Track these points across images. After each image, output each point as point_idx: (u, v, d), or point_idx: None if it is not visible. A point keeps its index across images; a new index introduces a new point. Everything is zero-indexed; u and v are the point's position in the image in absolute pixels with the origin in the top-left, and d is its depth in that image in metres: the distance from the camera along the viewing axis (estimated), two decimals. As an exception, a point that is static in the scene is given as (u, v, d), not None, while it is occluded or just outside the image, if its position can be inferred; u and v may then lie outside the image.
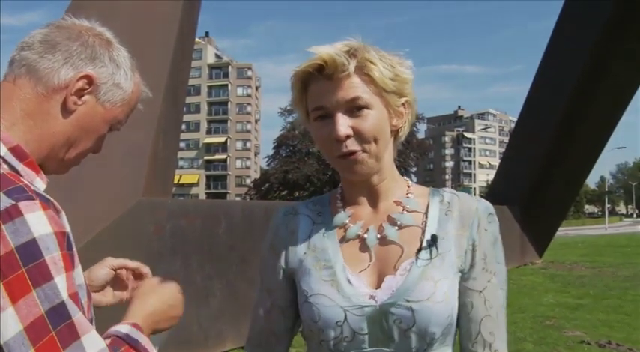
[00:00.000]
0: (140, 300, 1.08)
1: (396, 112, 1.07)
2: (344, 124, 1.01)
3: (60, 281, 0.83)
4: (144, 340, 0.98)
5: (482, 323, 1.08)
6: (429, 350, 1.03)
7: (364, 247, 1.08)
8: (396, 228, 1.08)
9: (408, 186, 1.14)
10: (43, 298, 0.81)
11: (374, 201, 1.11)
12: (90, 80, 0.99)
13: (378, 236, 1.08)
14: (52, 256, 0.82)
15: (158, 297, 1.09)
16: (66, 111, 0.98)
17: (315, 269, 1.07)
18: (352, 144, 1.02)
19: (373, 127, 1.02)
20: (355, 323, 1.02)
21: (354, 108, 1.02)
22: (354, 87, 1.02)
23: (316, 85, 1.04)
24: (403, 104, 1.08)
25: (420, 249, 1.06)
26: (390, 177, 1.11)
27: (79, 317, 0.84)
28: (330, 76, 1.01)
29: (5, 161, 0.90)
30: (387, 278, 1.04)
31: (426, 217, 1.10)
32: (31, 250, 0.80)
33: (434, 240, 1.06)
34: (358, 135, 1.02)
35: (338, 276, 1.05)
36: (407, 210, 1.10)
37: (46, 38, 0.98)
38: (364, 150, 1.03)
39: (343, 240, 1.09)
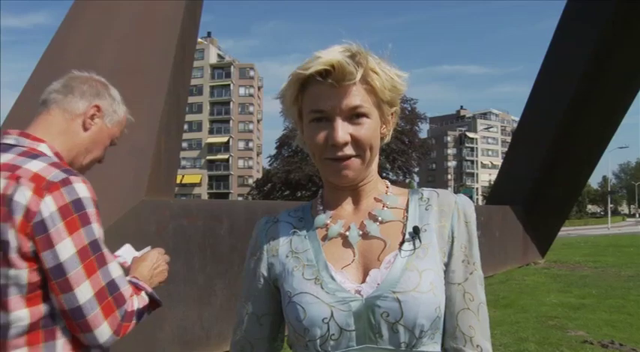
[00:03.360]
0: (134, 267, 1.58)
1: (386, 121, 1.10)
2: (344, 131, 1.03)
3: (113, 265, 1.33)
4: (141, 282, 1.49)
5: (459, 316, 1.07)
6: (418, 346, 1.01)
7: (347, 244, 1.09)
8: (377, 223, 1.09)
9: (387, 187, 1.16)
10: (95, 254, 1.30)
11: (355, 201, 1.13)
12: (98, 108, 1.50)
13: (360, 232, 1.09)
14: (91, 210, 1.31)
15: (146, 263, 1.60)
16: (84, 129, 1.49)
17: (297, 270, 1.07)
18: (348, 150, 1.04)
19: (370, 136, 1.05)
20: (342, 320, 1.00)
21: (354, 115, 1.04)
22: (357, 95, 1.03)
23: (318, 88, 1.03)
24: (392, 113, 1.11)
25: (402, 242, 1.07)
26: (373, 179, 1.13)
27: (127, 288, 1.36)
28: (335, 83, 1.01)
29: None
30: (372, 271, 1.04)
31: (407, 212, 1.11)
32: (78, 204, 1.28)
33: (416, 232, 1.07)
34: (355, 143, 1.04)
35: (321, 274, 1.05)
36: (387, 207, 1.11)
37: (66, 84, 1.50)
38: (358, 156, 1.05)
39: (325, 239, 1.10)
